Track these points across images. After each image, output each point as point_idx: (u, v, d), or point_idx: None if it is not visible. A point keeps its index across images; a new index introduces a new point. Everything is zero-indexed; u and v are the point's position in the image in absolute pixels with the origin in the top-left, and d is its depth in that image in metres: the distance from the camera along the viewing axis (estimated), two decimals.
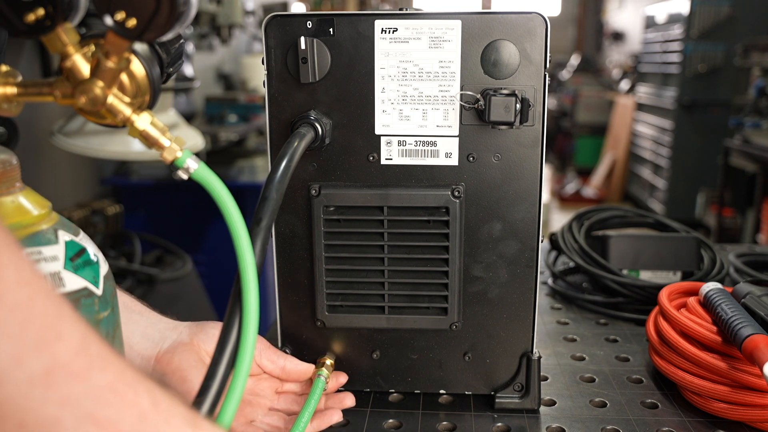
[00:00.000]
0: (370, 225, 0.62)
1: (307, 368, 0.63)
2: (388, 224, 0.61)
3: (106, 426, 0.29)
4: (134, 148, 1.47)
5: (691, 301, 0.69)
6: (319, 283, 0.63)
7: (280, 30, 0.58)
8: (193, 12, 0.37)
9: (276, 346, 0.64)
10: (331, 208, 0.61)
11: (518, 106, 0.56)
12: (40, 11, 0.35)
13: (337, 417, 0.61)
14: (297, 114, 0.59)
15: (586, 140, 6.39)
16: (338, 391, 0.66)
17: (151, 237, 1.77)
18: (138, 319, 0.58)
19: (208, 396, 0.39)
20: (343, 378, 0.66)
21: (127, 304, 0.59)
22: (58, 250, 0.40)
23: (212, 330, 0.59)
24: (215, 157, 2.26)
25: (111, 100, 0.38)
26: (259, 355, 0.61)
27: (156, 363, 0.56)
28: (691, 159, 4.54)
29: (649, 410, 0.64)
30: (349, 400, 0.64)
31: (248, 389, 0.61)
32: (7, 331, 0.27)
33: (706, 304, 0.66)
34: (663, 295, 0.71)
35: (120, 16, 0.35)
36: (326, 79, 0.59)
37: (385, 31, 0.58)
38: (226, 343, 0.41)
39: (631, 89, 5.87)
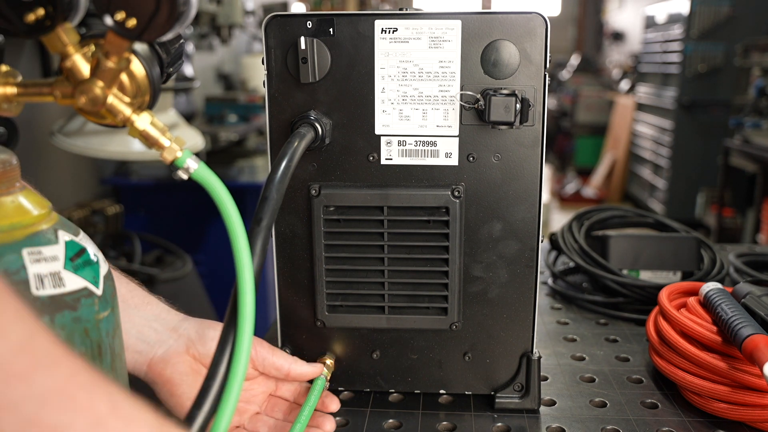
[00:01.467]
0: (370, 225, 0.62)
1: (313, 371, 0.61)
2: (388, 224, 0.61)
3: None
4: (134, 148, 1.47)
5: (691, 301, 0.69)
6: (319, 283, 0.63)
7: (280, 30, 0.58)
8: (193, 12, 0.37)
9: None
10: (331, 208, 0.61)
11: (518, 106, 0.56)
12: (40, 11, 0.35)
13: (330, 425, 0.59)
14: (297, 114, 0.59)
15: (586, 140, 6.39)
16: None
17: (151, 237, 1.77)
18: (134, 317, 0.56)
19: (200, 414, 0.39)
20: (335, 405, 0.63)
21: (125, 297, 0.56)
22: (58, 250, 0.40)
23: (213, 333, 0.57)
24: (215, 157, 2.26)
25: (111, 100, 0.38)
26: (263, 363, 0.60)
27: (148, 369, 0.55)
28: (691, 159, 4.54)
29: (649, 410, 0.64)
30: (334, 404, 0.62)
31: (240, 396, 0.60)
32: None
33: (706, 304, 0.66)
34: (663, 295, 0.71)
35: (120, 16, 0.35)
36: (326, 79, 0.59)
37: (385, 31, 0.57)
38: (223, 353, 0.41)
39: (631, 89, 5.87)
